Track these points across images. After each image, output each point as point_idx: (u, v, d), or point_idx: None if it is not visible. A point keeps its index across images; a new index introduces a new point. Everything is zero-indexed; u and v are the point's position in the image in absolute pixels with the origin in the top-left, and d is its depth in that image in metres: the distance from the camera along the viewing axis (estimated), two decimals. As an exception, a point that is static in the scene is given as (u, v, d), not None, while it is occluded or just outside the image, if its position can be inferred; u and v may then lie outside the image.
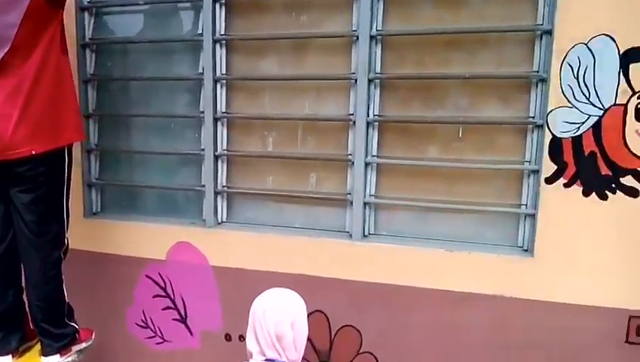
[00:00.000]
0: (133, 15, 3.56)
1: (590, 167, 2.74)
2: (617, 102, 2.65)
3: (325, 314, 3.23)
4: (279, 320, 2.50)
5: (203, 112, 3.34)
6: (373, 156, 3.13)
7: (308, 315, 3.25)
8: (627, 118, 2.65)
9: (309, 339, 3.28)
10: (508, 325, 2.96)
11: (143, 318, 3.63)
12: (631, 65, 2.61)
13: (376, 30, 3.01)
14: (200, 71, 3.35)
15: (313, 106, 3.24)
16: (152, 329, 3.62)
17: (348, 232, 3.21)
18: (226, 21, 3.30)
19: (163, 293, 3.54)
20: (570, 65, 2.68)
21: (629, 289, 2.77)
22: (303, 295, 3.14)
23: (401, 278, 3.07)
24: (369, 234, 3.21)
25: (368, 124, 3.07)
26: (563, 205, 2.79)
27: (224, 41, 3.30)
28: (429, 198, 3.11)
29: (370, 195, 3.17)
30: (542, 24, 2.79)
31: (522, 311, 2.92)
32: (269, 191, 3.38)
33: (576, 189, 2.77)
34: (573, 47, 2.66)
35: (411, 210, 3.17)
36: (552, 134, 2.75)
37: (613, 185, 2.72)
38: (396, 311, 3.12)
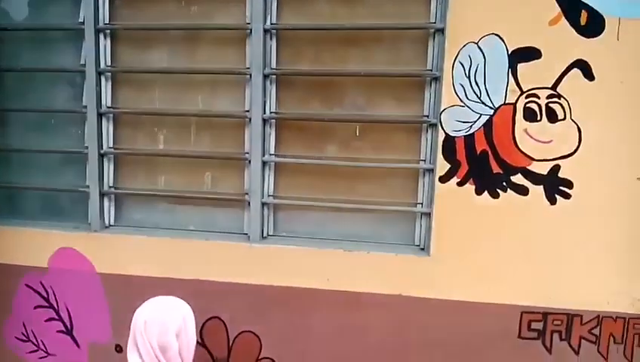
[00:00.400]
0: (9, 1, 3.22)
1: (482, 165, 2.76)
2: (507, 102, 2.69)
3: (223, 321, 3.08)
4: (162, 330, 2.34)
5: (86, 107, 3.08)
6: (271, 155, 3.01)
7: (204, 322, 3.11)
8: (516, 117, 2.70)
9: (205, 348, 3.14)
10: (407, 324, 2.94)
11: (24, 331, 3.31)
12: (519, 65, 2.65)
13: (270, 24, 2.88)
14: (82, 62, 3.08)
15: (207, 102, 3.07)
16: (33, 343, 3.31)
17: (246, 234, 3.08)
18: (110, 9, 3.05)
19: (45, 304, 3.24)
20: (461, 64, 2.68)
21: (520, 285, 2.82)
22: (198, 301, 2.98)
23: (301, 280, 2.98)
24: (268, 235, 3.09)
25: (265, 121, 2.94)
26: (456, 204, 2.80)
27: (108, 31, 3.05)
28: (329, 198, 3.03)
29: (269, 195, 3.05)
30: (434, 22, 2.78)
31: (420, 310, 2.92)
32: (161, 191, 3.17)
33: (469, 188, 2.79)
34: (464, 46, 2.66)
35: (311, 210, 3.09)
36: (446, 133, 2.75)
37: (504, 184, 2.76)
38: (296, 315, 3.02)
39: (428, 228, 2.91)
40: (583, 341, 2.82)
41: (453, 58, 2.68)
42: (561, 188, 2.73)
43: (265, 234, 3.07)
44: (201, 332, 3.08)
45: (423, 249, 2.96)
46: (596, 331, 2.81)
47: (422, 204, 2.95)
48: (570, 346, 2.84)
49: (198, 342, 3.07)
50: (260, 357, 3.09)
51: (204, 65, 3.03)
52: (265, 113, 2.92)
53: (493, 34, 2.63)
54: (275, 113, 2.96)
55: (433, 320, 2.91)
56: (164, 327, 2.37)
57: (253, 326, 3.08)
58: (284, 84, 2.97)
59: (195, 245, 3.04)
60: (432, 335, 2.93)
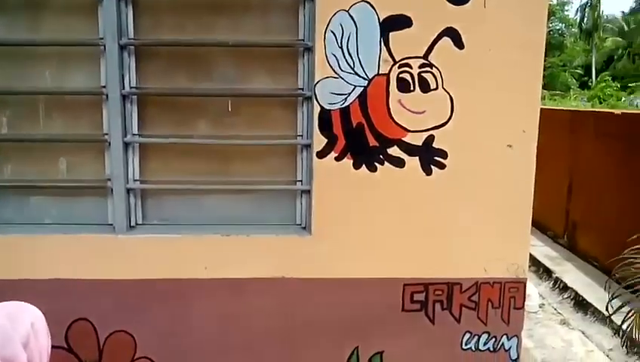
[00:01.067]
0: None
1: (359, 139, 2.68)
2: (380, 72, 2.62)
3: (90, 322, 2.78)
4: (4, 342, 2.02)
5: None
6: (134, 135, 2.73)
7: (69, 326, 2.80)
8: (390, 88, 2.64)
9: (72, 353, 2.83)
10: (292, 307, 2.83)
11: None
12: (391, 34, 2.59)
13: (124, -12, 2.59)
14: None
15: (57, 78, 2.71)
16: None
17: (111, 225, 2.78)
18: None
19: None
20: (333, 33, 2.56)
21: (401, 258, 2.80)
22: (60, 303, 2.67)
23: (176, 271, 2.76)
24: (136, 224, 2.82)
25: (124, 97, 2.65)
26: (335, 179, 2.71)
27: None
28: (203, 180, 2.82)
29: (135, 180, 2.77)
30: (304, -12, 2.64)
31: (305, 291, 2.81)
32: (7, 182, 2.78)
33: (347, 162, 2.70)
34: (335, 14, 2.54)
35: (184, 194, 2.86)
36: (321, 106, 2.64)
37: (381, 157, 2.71)
38: (174, 308, 2.80)
39: (308, 206, 2.79)
40: (463, 308, 2.86)
41: (325, 27, 2.55)
42: (436, 158, 2.72)
43: (132, 224, 2.80)
44: (66, 337, 2.76)
45: (304, 228, 2.84)
46: (475, 298, 2.86)
47: (301, 181, 2.83)
48: (452, 314, 2.87)
49: (63, 348, 2.77)
50: (135, 358, 2.83)
51: (51, 35, 2.67)
52: (124, 88, 2.63)
53: (363, 1, 2.54)
54: (136, 88, 2.68)
55: (318, 300, 2.82)
56: (7, 338, 2.05)
57: (126, 325, 2.81)
58: (144, 55, 2.69)
59: (52, 240, 2.71)
60: (317, 315, 2.83)
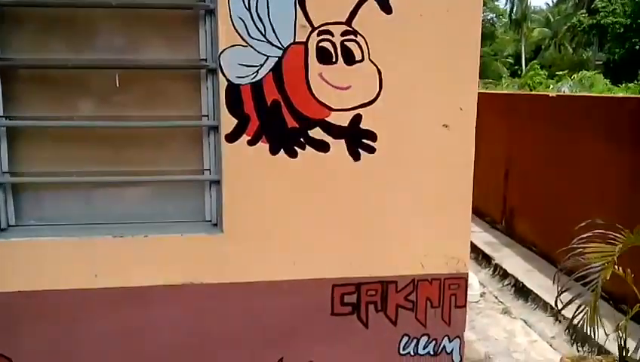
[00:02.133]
0: None
1: (275, 119, 2.30)
2: (297, 40, 2.23)
3: (-47, 347, 2.27)
4: None
5: None
6: (0, 117, 2.23)
7: None
8: (309, 60, 2.26)
9: None
10: (205, 317, 2.42)
11: None
12: (308, -5, 2.21)
13: None
14: None
15: None
16: None
17: (-25, 228, 2.27)
18: None
19: None
20: (239, -8, 2.16)
21: (329, 256, 2.45)
22: None
23: (59, 281, 2.29)
24: (8, 226, 2.32)
25: (-19, 71, 2.14)
26: (249, 167, 2.32)
27: None
28: (89, 171, 2.35)
29: (3, 172, 2.27)
30: (201, -63, 2.21)
31: (218, 297, 2.41)
32: None
33: (263, 147, 2.31)
34: (240, -32, 2.14)
35: (67, 188, 2.38)
36: (228, 80, 2.22)
37: (302, 140, 2.33)
38: (58, 325, 2.33)
39: (218, 200, 2.38)
40: (400, 309, 2.54)
41: (229, -16, 2.14)
42: (365, 141, 2.37)
43: (3, 225, 2.30)
44: None
45: (215, 225, 2.43)
46: (412, 297, 2.54)
47: (209, 170, 2.41)
48: (387, 317, 2.54)
49: None
50: (14, 385, 2.35)
51: None
52: (-20, 60, 2.12)
53: (271, -46, 2.14)
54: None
55: (233, 308, 2.42)
56: None
57: (1, 348, 2.32)
58: (10, 18, 2.19)
59: None
60: (233, 325, 2.44)
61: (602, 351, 4.37)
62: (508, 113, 7.02)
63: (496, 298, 5.22)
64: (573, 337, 2.98)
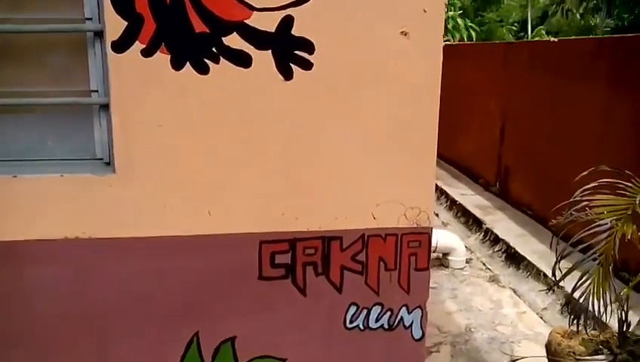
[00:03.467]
0: None
1: (177, 21, 1.74)
2: None
3: None
4: None
5: None
6: None
7: None
8: (218, -63, 1.68)
9: None
10: (96, 280, 1.91)
11: None
12: None
13: None
14: None
15: None
16: None
17: None
18: None
19: None
20: None
21: (254, 204, 1.92)
22: None
23: None
24: None
25: None
26: (145, 87, 1.77)
27: None
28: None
29: None
30: None
31: (113, 256, 1.90)
32: None
33: (162, 59, 1.76)
34: None
35: None
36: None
37: (215, 50, 1.77)
38: None
39: (109, 130, 1.84)
40: (345, 273, 2.03)
41: None
42: (298, 53, 1.81)
43: None
44: None
45: (108, 163, 1.90)
46: (361, 257, 2.02)
47: (97, 91, 1.86)
48: (330, 281, 2.03)
49: None
50: None
51: None
52: None
53: None
54: None
55: (132, 268, 1.91)
56: None
57: None
58: None
59: None
60: (133, 291, 1.93)
61: (598, 324, 3.90)
62: (506, 64, 6.41)
63: (484, 264, 4.73)
64: (573, 311, 2.45)
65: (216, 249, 1.93)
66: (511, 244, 5.10)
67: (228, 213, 1.91)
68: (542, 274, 4.46)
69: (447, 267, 4.51)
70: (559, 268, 2.45)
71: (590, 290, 2.29)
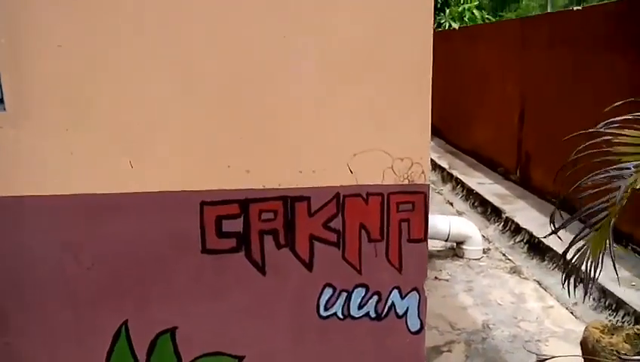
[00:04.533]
0: None
1: None
2: None
3: None
4: None
5: None
6: None
7: None
8: None
9: None
10: None
11: None
12: None
13: None
14: None
15: None
16: None
17: None
18: None
19: None
20: None
21: (192, 152, 1.46)
22: None
23: None
24: None
25: None
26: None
27: None
28: None
29: None
30: None
31: (6, 217, 1.46)
32: None
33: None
34: None
35: None
36: None
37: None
38: None
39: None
40: (316, 244, 1.55)
41: None
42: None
43: None
44: None
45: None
46: (337, 223, 1.55)
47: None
48: (296, 255, 1.56)
49: None
50: None
51: None
52: None
53: None
54: None
55: (38, 234, 1.47)
56: None
57: None
58: None
59: None
60: (41, 263, 1.49)
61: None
62: (523, 42, 5.87)
63: (504, 255, 4.19)
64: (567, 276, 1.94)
65: (142, 213, 1.48)
66: (534, 234, 4.56)
67: (156, 164, 1.46)
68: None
69: (461, 257, 3.99)
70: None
71: (588, 248, 1.78)
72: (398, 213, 1.55)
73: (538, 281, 3.71)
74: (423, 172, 1.52)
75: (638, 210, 3.95)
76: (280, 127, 1.46)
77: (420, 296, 1.62)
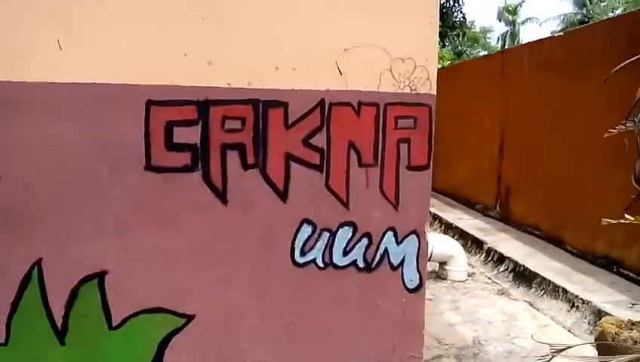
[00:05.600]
0: None
1: None
2: None
3: None
4: None
5: None
6: None
7: None
8: None
9: None
10: None
11: None
12: None
13: None
14: None
15: None
16: None
17: None
18: None
19: None
20: None
21: (135, 38, 1.15)
22: None
23: None
24: None
25: None
26: None
27: None
28: None
29: None
30: None
31: None
32: None
33: None
34: None
35: None
36: None
37: None
38: None
39: None
40: (293, 165, 1.23)
41: None
42: None
43: None
44: None
45: None
46: (320, 139, 1.23)
47: None
48: (267, 180, 1.22)
49: None
50: None
51: None
52: None
53: None
54: None
55: None
56: None
57: None
58: None
59: None
60: None
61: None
62: (503, 73, 5.83)
63: (489, 278, 3.88)
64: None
65: (68, 111, 1.14)
66: (519, 262, 4.27)
67: (91, 47, 1.13)
68: (560, 289, 3.63)
69: (444, 279, 3.65)
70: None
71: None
72: (396, 131, 1.25)
73: (529, 302, 3.39)
74: (428, 78, 1.23)
75: (630, 235, 3.74)
76: (253, 8, 1.17)
77: (419, 242, 1.29)
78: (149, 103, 1.16)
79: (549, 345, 1.67)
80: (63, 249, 1.17)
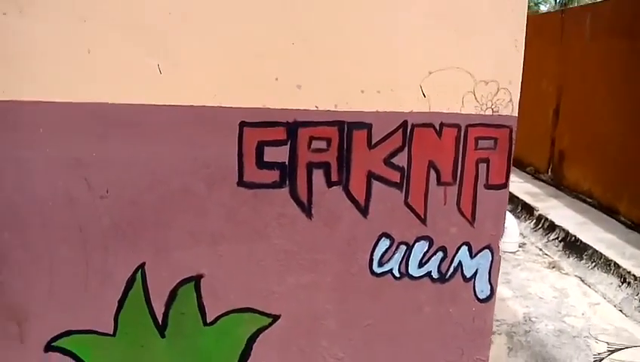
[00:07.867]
0: None
1: None
2: None
3: None
4: None
5: None
6: None
7: None
8: None
9: None
10: None
11: None
12: None
13: None
14: None
15: None
16: None
17: None
18: None
19: None
20: None
21: (229, 62, 1.21)
22: None
23: None
24: None
25: None
26: None
27: None
28: None
29: None
30: None
31: None
32: None
33: None
34: None
35: None
36: None
37: None
38: None
39: None
40: (375, 184, 1.29)
41: None
42: None
43: None
44: None
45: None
46: (401, 159, 1.28)
47: None
48: (350, 196, 1.29)
49: None
50: None
51: None
52: None
53: None
54: None
55: (33, 148, 1.21)
56: None
57: None
58: None
59: None
60: (39, 186, 1.23)
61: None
62: (562, 35, 5.59)
63: (540, 250, 3.91)
64: None
65: (169, 131, 1.22)
66: (570, 232, 4.27)
67: (189, 71, 1.20)
68: (612, 264, 3.63)
69: (495, 250, 3.71)
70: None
71: None
72: (476, 151, 1.29)
73: (580, 278, 3.42)
74: (510, 100, 1.26)
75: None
76: (340, 33, 1.20)
77: (492, 256, 1.35)
78: (242, 125, 1.24)
79: (607, 343, 1.72)
80: (164, 255, 1.29)
